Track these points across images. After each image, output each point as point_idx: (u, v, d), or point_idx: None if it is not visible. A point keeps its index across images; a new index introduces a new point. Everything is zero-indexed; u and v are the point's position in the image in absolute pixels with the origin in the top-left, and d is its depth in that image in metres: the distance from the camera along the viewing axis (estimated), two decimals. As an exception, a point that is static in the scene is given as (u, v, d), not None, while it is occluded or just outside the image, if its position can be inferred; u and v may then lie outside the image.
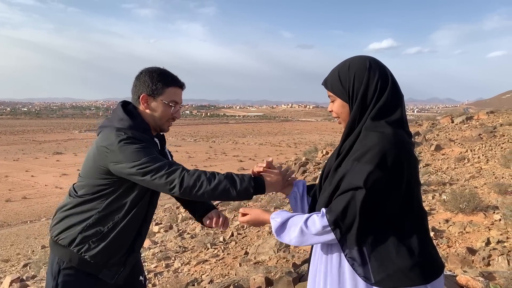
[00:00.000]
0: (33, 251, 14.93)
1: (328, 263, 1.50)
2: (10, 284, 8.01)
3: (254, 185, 1.71)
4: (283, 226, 1.49)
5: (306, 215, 1.46)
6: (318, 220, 1.40)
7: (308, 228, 1.41)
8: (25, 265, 11.25)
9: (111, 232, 1.83)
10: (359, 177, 1.33)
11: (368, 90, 1.43)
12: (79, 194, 1.89)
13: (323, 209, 1.42)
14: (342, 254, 1.43)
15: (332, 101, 1.56)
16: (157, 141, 1.93)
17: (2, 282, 8.97)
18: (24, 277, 8.55)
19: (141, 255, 8.40)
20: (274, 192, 1.86)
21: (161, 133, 2.07)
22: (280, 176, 1.77)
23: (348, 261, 1.40)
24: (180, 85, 1.98)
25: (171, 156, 2.20)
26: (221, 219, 2.05)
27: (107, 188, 1.82)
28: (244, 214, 1.72)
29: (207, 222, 2.07)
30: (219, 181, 1.68)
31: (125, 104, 1.97)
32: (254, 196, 1.79)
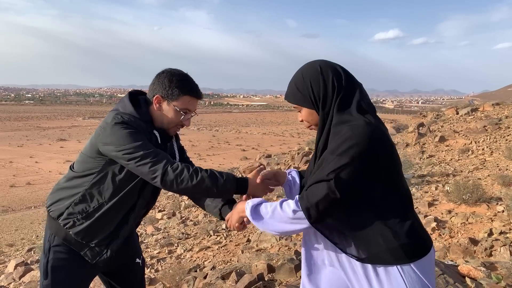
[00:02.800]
0: (37, 236, 15.11)
1: (318, 244, 1.58)
2: (15, 268, 8.12)
3: (236, 185, 1.74)
4: (256, 209, 1.53)
5: (281, 200, 1.50)
6: (292, 204, 1.44)
7: (282, 210, 1.44)
8: (29, 250, 11.39)
9: (95, 212, 1.85)
10: (333, 169, 1.37)
11: (326, 90, 1.49)
12: (74, 169, 1.93)
13: (297, 196, 1.46)
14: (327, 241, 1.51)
15: (299, 111, 1.61)
16: (157, 134, 1.89)
17: (7, 266, 9.09)
18: (29, 261, 8.65)
19: (145, 241, 8.45)
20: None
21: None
22: (263, 184, 1.78)
23: (332, 242, 1.48)
24: (198, 96, 1.95)
25: (184, 151, 2.18)
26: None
27: (96, 166, 1.84)
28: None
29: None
30: (201, 178, 1.69)
31: (136, 94, 1.98)
32: None
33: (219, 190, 1.70)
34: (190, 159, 2.22)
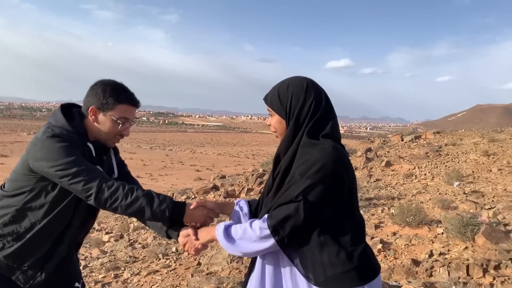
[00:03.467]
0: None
1: (268, 268, 1.58)
2: None
3: (172, 208, 1.71)
4: (227, 230, 1.57)
5: (250, 220, 1.56)
6: (260, 223, 1.49)
7: (252, 228, 1.50)
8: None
9: (27, 233, 1.76)
10: (301, 190, 1.43)
11: (303, 109, 1.55)
12: (5, 189, 1.84)
13: (265, 215, 1.51)
14: (283, 258, 1.54)
15: (271, 115, 1.66)
16: (91, 147, 1.84)
17: None
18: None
19: (89, 265, 8.01)
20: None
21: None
22: (205, 211, 1.80)
23: (293, 263, 1.51)
24: (134, 104, 1.91)
25: (124, 165, 2.14)
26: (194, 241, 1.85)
27: (27, 185, 1.76)
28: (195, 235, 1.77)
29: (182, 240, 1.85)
30: (136, 197, 1.67)
31: (70, 106, 1.93)
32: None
33: (154, 211, 1.67)
34: (131, 174, 2.18)
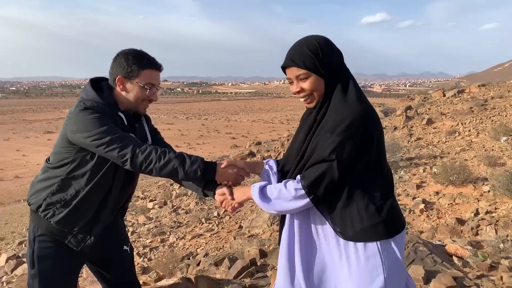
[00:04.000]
0: (27, 229, 14.87)
1: (301, 226, 1.60)
2: (7, 261, 8.07)
3: (204, 168, 1.77)
4: (263, 191, 1.60)
5: (284, 181, 1.57)
6: (294, 184, 1.51)
7: (287, 189, 1.51)
8: (20, 243, 11.31)
9: (73, 200, 1.88)
10: (332, 148, 1.42)
11: (334, 63, 1.51)
12: (50, 161, 1.96)
13: (298, 176, 1.51)
14: (314, 213, 1.56)
15: (304, 78, 1.54)
16: (122, 116, 1.91)
17: (-2, 259, 9.03)
18: (20, 254, 8.61)
19: (137, 231, 8.44)
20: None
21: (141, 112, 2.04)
22: (235, 169, 1.83)
23: (325, 219, 1.53)
24: (157, 67, 1.95)
25: (157, 133, 2.18)
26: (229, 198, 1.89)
27: (68, 156, 1.87)
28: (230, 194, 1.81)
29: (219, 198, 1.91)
30: (169, 159, 1.75)
31: (99, 80, 1.99)
32: None
33: (186, 171, 1.75)
34: (164, 140, 2.24)
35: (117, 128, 1.79)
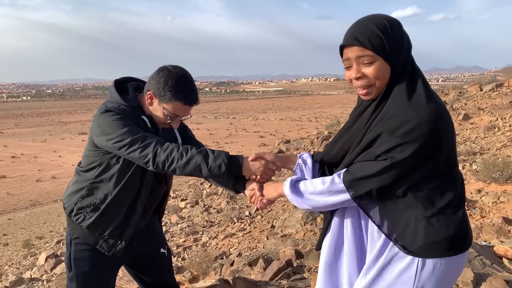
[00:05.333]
0: (65, 228, 15.49)
1: (347, 229, 1.46)
2: (46, 260, 8.36)
3: (228, 163, 1.66)
4: (295, 186, 1.47)
5: (321, 178, 1.43)
6: (334, 177, 1.37)
7: (324, 183, 1.38)
8: (58, 242, 11.72)
9: (102, 204, 1.86)
10: (388, 148, 1.25)
11: (405, 49, 1.29)
12: (81, 165, 1.95)
13: (342, 170, 1.37)
14: (363, 220, 1.41)
15: (368, 63, 1.29)
16: (146, 120, 1.85)
17: (38, 258, 9.36)
18: (59, 253, 8.89)
19: (170, 230, 8.55)
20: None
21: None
22: (263, 162, 1.70)
23: (378, 225, 1.35)
24: (191, 103, 1.85)
25: (186, 130, 2.12)
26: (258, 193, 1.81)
27: (96, 160, 1.85)
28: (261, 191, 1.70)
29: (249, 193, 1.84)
30: (191, 156, 1.66)
31: (124, 81, 1.96)
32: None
33: (210, 167, 1.66)
34: (195, 137, 2.17)
35: (139, 129, 1.75)
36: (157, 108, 1.85)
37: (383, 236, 1.34)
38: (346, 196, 1.33)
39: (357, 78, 1.32)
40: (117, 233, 1.91)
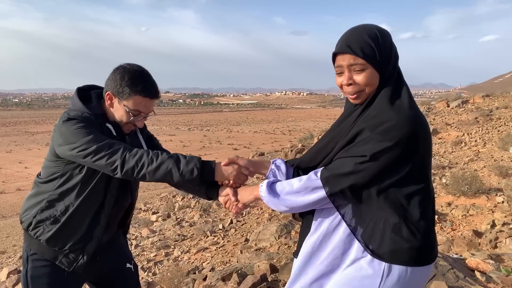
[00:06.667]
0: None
1: (322, 230, 1.43)
2: (8, 276, 7.91)
3: (201, 167, 1.63)
4: (271, 187, 1.46)
5: (298, 177, 1.43)
6: (311, 174, 1.37)
7: (300, 181, 1.37)
8: (21, 257, 11.15)
9: (63, 216, 1.78)
10: (368, 146, 1.27)
11: (393, 59, 1.35)
12: (40, 176, 1.87)
13: (320, 168, 1.38)
14: (337, 219, 1.39)
15: (359, 70, 1.33)
16: (110, 127, 1.79)
17: (-1, 274, 8.86)
18: (21, 268, 8.45)
19: (140, 244, 8.29)
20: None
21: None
22: (236, 167, 1.68)
23: (348, 227, 1.35)
24: (151, 96, 1.79)
25: (153, 139, 2.07)
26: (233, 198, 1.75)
27: (58, 170, 1.77)
28: (234, 195, 1.67)
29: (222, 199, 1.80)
30: (162, 161, 1.62)
31: (88, 88, 1.89)
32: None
33: (182, 171, 1.61)
34: (162, 146, 2.11)
35: (104, 136, 1.68)
36: (118, 108, 1.78)
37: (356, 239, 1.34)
38: (322, 193, 1.33)
39: (348, 84, 1.37)
40: (79, 247, 1.81)
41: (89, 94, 1.84)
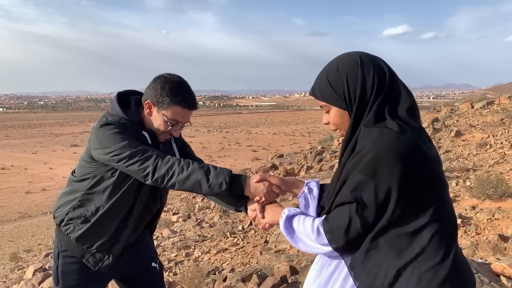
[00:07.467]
0: (53, 241, 15.22)
1: (327, 264, 1.38)
2: (34, 274, 8.15)
3: (230, 181, 1.61)
4: (290, 220, 1.41)
5: (313, 217, 1.37)
6: (318, 225, 1.30)
7: (312, 229, 1.30)
8: (47, 255, 11.45)
9: (93, 216, 1.83)
10: (353, 188, 1.21)
11: (365, 88, 1.25)
12: (74, 174, 1.92)
13: (323, 217, 1.32)
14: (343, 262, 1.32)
15: (327, 112, 1.36)
16: (146, 135, 1.82)
17: (25, 271, 9.14)
18: (47, 267, 8.68)
19: (161, 244, 8.42)
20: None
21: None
22: (267, 185, 1.62)
23: (350, 273, 1.27)
24: (190, 107, 1.83)
25: (186, 147, 2.09)
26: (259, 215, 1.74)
27: (91, 171, 1.82)
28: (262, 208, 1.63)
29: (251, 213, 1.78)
30: (192, 170, 1.61)
31: (128, 94, 1.93)
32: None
33: (211, 184, 1.60)
34: (194, 154, 2.13)
35: (138, 142, 1.72)
36: (157, 117, 1.82)
37: None
38: (329, 249, 1.28)
39: (327, 123, 1.41)
40: (105, 248, 1.86)
41: (128, 100, 1.89)
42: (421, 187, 1.18)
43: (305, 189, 1.56)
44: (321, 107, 1.38)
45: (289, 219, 1.41)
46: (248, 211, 1.71)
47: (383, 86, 1.25)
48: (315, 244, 1.30)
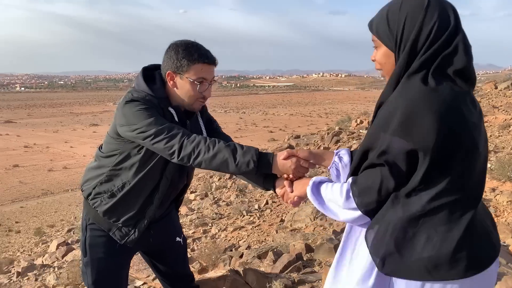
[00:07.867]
0: (75, 217, 15.71)
1: (350, 240, 1.35)
2: (57, 248, 8.47)
3: (257, 160, 1.58)
4: (318, 187, 1.37)
5: (343, 182, 1.33)
6: (346, 188, 1.26)
7: (341, 193, 1.27)
8: (69, 230, 11.86)
9: (119, 192, 1.84)
10: (382, 150, 1.15)
11: (420, 35, 1.15)
12: (101, 150, 1.94)
13: (350, 179, 1.28)
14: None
15: (376, 48, 1.29)
16: (173, 112, 1.80)
17: (49, 245, 9.50)
18: (69, 241, 9.00)
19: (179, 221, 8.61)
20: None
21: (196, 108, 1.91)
22: (295, 160, 1.59)
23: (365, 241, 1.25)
24: (210, 61, 1.80)
25: (212, 122, 2.08)
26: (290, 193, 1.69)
27: (117, 147, 1.82)
28: (290, 183, 1.60)
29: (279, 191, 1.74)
30: (218, 149, 1.59)
31: (153, 68, 1.90)
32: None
33: (238, 163, 1.58)
34: (221, 129, 2.12)
35: (164, 120, 1.70)
36: (182, 84, 1.79)
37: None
38: (359, 214, 1.24)
39: (373, 60, 1.33)
40: (131, 223, 1.89)
41: (153, 74, 1.86)
42: (453, 154, 1.11)
43: (335, 158, 1.52)
44: (373, 41, 1.30)
45: (317, 185, 1.37)
46: (277, 190, 1.70)
47: (437, 39, 1.14)
48: (343, 210, 1.27)
